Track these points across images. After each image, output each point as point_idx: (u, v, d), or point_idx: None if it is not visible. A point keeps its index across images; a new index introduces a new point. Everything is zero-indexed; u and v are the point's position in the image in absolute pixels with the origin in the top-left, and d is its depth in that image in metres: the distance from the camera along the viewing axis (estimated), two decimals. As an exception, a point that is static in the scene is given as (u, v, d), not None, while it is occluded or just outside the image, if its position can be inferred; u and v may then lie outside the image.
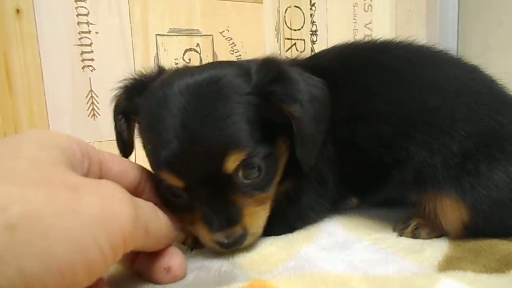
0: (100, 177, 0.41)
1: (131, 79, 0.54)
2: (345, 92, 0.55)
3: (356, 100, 0.55)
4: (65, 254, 0.29)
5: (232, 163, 0.44)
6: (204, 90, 0.46)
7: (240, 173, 0.46)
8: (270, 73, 0.48)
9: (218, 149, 0.44)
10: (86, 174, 0.39)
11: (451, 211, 0.50)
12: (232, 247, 0.47)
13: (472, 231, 0.51)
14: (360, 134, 0.54)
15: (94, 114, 0.87)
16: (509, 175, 0.49)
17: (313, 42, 1.15)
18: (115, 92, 0.54)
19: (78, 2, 0.82)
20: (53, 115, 0.82)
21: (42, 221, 0.28)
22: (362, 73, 0.56)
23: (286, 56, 1.10)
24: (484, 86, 0.55)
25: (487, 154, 0.50)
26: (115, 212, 0.33)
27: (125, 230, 0.33)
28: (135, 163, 0.47)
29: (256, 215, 0.49)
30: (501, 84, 0.56)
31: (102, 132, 0.87)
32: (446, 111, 0.51)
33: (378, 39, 0.61)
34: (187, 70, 0.50)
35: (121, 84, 0.54)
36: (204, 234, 0.47)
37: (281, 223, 0.55)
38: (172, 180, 0.45)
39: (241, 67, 0.50)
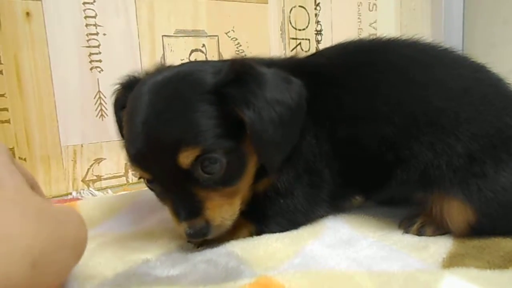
0: None
1: (128, 76, 0.57)
2: (346, 90, 0.55)
3: (358, 99, 0.55)
4: (55, 280, 0.34)
5: (185, 158, 0.45)
6: (165, 88, 0.49)
7: (199, 168, 0.47)
8: (230, 74, 0.49)
9: (172, 145, 0.46)
10: None
11: (458, 213, 0.51)
12: (197, 237, 0.49)
13: (478, 231, 0.51)
14: (362, 133, 0.54)
15: (102, 115, 0.88)
16: None
17: (318, 42, 1.16)
18: (114, 88, 0.58)
19: (86, 5, 0.84)
20: (62, 115, 0.83)
21: (49, 257, 0.32)
22: (364, 71, 0.56)
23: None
24: (490, 86, 0.54)
25: (493, 155, 0.49)
26: (83, 238, 0.39)
27: (85, 249, 0.39)
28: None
29: (220, 209, 0.49)
30: (508, 84, 0.55)
31: (110, 133, 0.88)
32: (451, 112, 0.51)
33: (383, 37, 0.60)
34: (164, 68, 0.54)
35: (119, 81, 0.58)
36: (174, 223, 0.50)
37: (282, 217, 0.56)
38: (141, 173, 0.49)
39: (213, 66, 0.52)
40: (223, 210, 0.49)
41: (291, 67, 0.57)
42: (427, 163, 0.51)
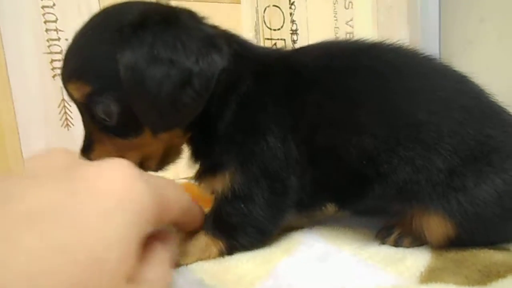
0: None
1: None
2: (327, 96, 0.52)
3: (338, 106, 0.52)
4: None
5: (75, 91, 0.47)
6: (90, 21, 0.50)
7: (95, 108, 0.47)
8: (138, 16, 0.46)
9: (67, 76, 0.47)
10: None
11: (437, 227, 0.49)
12: None
13: (457, 244, 0.50)
14: (340, 143, 0.51)
15: (67, 124, 0.84)
16: (496, 189, 0.47)
17: (293, 42, 1.13)
18: None
19: (45, 8, 0.79)
20: (24, 126, 0.79)
21: None
22: (346, 77, 0.53)
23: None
24: (472, 98, 0.52)
25: (474, 168, 0.48)
26: None
27: None
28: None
29: (107, 156, 0.45)
30: (489, 94, 0.53)
31: (77, 142, 0.83)
32: (432, 125, 0.49)
33: (367, 39, 0.57)
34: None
35: None
36: None
37: (249, 226, 0.52)
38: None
39: (145, 7, 0.49)
40: (106, 158, 0.48)
41: (273, 60, 0.55)
42: (406, 179, 0.49)
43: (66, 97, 0.81)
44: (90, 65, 0.46)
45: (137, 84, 0.44)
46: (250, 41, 0.58)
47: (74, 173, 0.29)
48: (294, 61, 0.56)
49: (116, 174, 0.30)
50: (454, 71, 0.55)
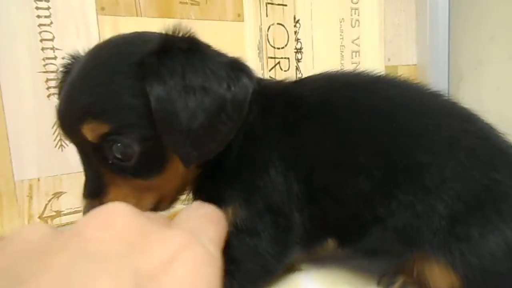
0: None
1: (72, 56, 0.53)
2: (324, 133, 0.50)
3: (337, 146, 0.49)
4: None
5: (89, 131, 0.43)
6: (99, 53, 0.46)
7: (110, 148, 0.43)
8: (160, 44, 0.44)
9: (79, 115, 0.43)
10: None
11: (441, 277, 0.45)
12: None
13: None
14: (337, 182, 0.48)
15: (61, 145, 0.81)
16: (505, 240, 0.43)
17: (298, 61, 1.10)
18: (60, 70, 0.54)
19: (41, 27, 0.77)
20: (16, 148, 0.76)
21: None
22: (346, 114, 0.50)
23: (270, 76, 1.06)
24: (479, 138, 0.48)
25: (479, 216, 0.43)
26: None
27: None
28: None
29: (124, 199, 0.44)
30: (498, 133, 0.49)
31: (71, 164, 0.81)
32: (435, 168, 0.45)
33: (370, 72, 0.54)
34: (123, 34, 0.50)
35: (63, 64, 0.54)
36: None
37: (251, 262, 0.49)
38: (63, 135, 0.47)
39: (165, 36, 0.46)
40: (125, 201, 0.44)
41: (275, 92, 0.53)
42: (405, 224, 0.45)
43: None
44: (106, 102, 0.43)
45: (170, 115, 0.42)
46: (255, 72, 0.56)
47: (140, 265, 0.24)
48: (295, 95, 0.53)
49: (185, 267, 0.25)
50: (462, 108, 0.51)
